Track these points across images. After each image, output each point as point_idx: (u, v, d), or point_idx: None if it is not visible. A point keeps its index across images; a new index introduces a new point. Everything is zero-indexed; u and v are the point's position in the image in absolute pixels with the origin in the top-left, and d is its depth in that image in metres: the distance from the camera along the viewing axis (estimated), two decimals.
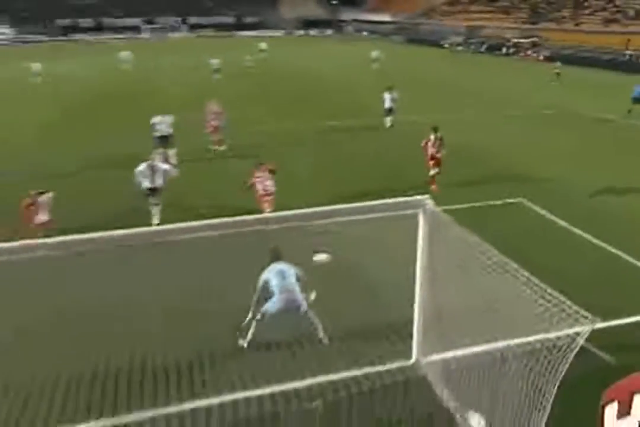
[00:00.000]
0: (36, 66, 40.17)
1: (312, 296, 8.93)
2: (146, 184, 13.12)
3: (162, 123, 17.94)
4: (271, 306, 8.38)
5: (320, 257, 8.19)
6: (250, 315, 8.58)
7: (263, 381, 7.69)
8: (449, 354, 7.67)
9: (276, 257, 8.90)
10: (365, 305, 9.55)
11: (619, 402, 4.06)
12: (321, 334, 8.60)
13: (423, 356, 8.26)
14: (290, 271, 8.63)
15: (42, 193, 11.94)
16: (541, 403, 5.50)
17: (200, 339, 8.56)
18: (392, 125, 23.83)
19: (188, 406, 7.25)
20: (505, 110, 28.57)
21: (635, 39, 47.95)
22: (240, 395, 7.48)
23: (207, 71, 41.05)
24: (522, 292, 5.59)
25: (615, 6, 56.68)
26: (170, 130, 18.03)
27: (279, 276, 8.52)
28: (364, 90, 34.26)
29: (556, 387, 5.27)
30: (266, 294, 8.47)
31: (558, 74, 37.68)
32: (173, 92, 34.59)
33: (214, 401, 7.36)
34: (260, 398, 7.48)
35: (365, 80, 39.45)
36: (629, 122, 24.75)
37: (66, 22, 79.75)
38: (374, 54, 46.24)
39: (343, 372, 7.97)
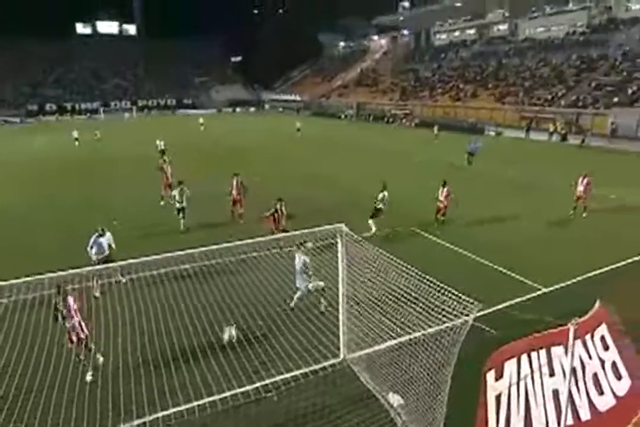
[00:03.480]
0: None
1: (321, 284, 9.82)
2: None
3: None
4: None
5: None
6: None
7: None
8: (368, 350, 7.73)
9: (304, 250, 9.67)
10: (303, 318, 9.45)
11: (495, 369, 4.29)
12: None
13: (348, 353, 8.23)
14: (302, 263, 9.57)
15: None
16: (444, 376, 5.61)
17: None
18: None
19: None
20: (393, 161, 29.89)
21: (471, 111, 53.34)
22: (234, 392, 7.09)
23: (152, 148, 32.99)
24: (423, 290, 5.78)
25: (458, 88, 62.00)
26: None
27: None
28: (296, 154, 34.66)
29: (455, 361, 5.39)
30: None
31: (437, 135, 40.09)
32: (124, 165, 33.07)
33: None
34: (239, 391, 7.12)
35: (294, 146, 39.21)
36: (474, 168, 26.66)
37: (35, 106, 77.54)
38: (298, 124, 46.30)
39: (290, 373, 7.80)
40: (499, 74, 59.89)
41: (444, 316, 5.28)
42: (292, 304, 9.93)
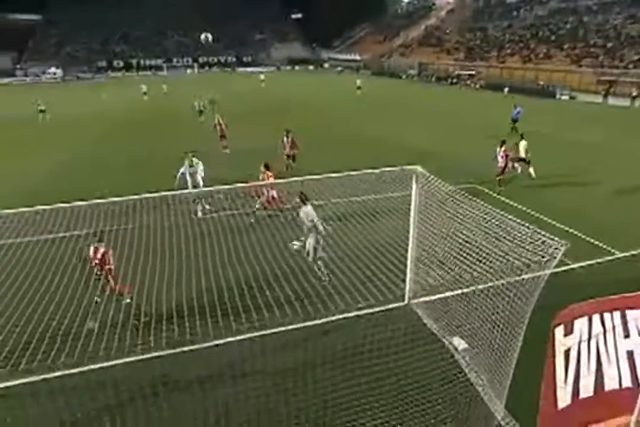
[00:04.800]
0: (104, 94, 38.57)
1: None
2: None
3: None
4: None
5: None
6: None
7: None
8: (434, 297, 7.68)
9: (304, 201, 9.13)
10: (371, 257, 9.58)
11: (564, 325, 4.17)
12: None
13: (414, 298, 8.23)
14: (314, 216, 8.91)
15: None
16: (519, 322, 5.45)
17: None
18: None
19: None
20: (459, 122, 28.71)
21: (543, 74, 49.48)
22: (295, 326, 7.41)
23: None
24: (503, 231, 5.57)
25: (529, 49, 57.67)
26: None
27: (306, 219, 8.89)
28: (357, 113, 33.91)
29: (532, 307, 5.20)
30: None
31: (506, 97, 38.25)
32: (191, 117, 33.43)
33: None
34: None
35: (355, 104, 38.21)
36: (546, 132, 25.06)
37: (103, 63, 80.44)
38: (358, 81, 45.50)
39: (355, 312, 7.96)
40: (577, 33, 54.95)
41: (527, 258, 5.08)
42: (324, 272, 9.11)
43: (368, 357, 6.70)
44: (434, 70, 63.78)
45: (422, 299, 8.05)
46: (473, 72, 56.98)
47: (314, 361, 6.63)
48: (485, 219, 5.81)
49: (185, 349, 6.95)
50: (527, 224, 5.20)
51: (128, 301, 8.15)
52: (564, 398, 4.47)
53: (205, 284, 8.59)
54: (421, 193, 7.18)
